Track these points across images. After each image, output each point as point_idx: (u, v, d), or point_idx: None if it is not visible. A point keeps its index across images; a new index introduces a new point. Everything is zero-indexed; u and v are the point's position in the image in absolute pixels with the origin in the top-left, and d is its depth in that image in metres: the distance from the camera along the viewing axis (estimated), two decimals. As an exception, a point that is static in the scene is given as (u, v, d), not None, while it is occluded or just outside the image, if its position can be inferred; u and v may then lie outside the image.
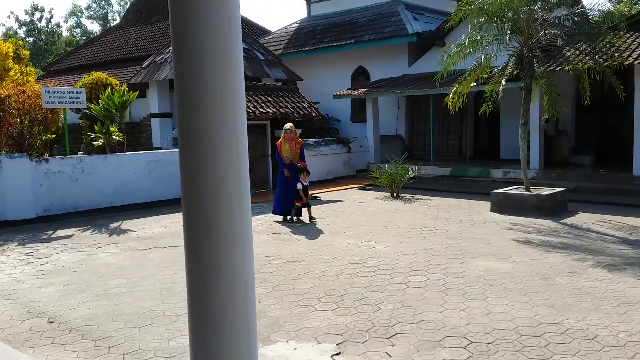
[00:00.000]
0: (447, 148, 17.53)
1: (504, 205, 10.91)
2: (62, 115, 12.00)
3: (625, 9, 30.52)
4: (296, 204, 10.19)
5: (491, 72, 12.17)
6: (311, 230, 9.74)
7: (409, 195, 13.59)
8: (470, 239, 8.72)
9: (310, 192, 14.14)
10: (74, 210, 11.44)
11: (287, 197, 10.18)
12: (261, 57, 18.89)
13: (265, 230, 9.85)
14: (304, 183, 10.20)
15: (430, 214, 11.08)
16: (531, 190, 11.02)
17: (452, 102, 11.49)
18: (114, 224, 10.65)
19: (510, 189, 11.35)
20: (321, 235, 9.35)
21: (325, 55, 20.49)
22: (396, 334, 4.93)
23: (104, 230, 10.12)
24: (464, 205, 11.96)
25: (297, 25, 22.78)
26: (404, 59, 18.87)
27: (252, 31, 25.57)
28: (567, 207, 11.00)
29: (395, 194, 13.50)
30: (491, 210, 11.11)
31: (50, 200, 11.12)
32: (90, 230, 10.07)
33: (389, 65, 18.96)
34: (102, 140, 12.16)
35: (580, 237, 8.68)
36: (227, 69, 1.98)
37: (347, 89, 18.78)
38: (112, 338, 5.00)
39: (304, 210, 10.43)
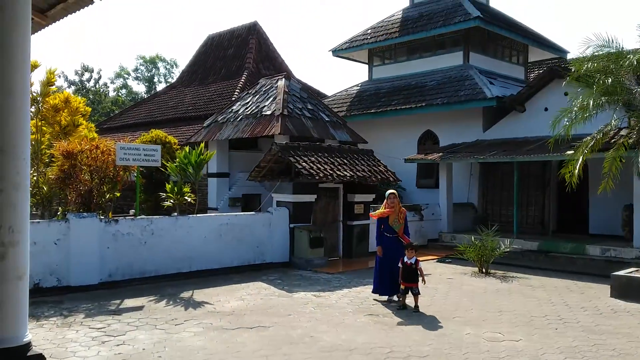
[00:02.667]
0: (528, 220, 16.18)
1: (628, 291, 9.47)
2: (132, 173, 11.25)
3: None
4: (401, 286, 8.72)
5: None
6: (412, 314, 8.46)
7: (500, 271, 12.22)
8: (613, 333, 7.33)
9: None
10: (140, 276, 10.44)
11: (392, 274, 8.89)
12: (326, 119, 18.21)
13: (358, 309, 8.63)
14: (408, 261, 8.70)
15: (540, 297, 9.70)
16: (659, 274, 9.60)
17: (570, 172, 10.17)
18: (185, 294, 9.57)
19: (633, 272, 9.93)
20: (428, 319, 8.07)
21: (391, 119, 19.72)
22: None
23: (177, 301, 9.03)
24: (574, 288, 10.52)
25: (359, 88, 22.23)
26: (478, 124, 17.91)
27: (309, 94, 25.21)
28: (701, 296, 9.49)
29: (484, 270, 12.16)
30: (611, 296, 9.67)
31: (116, 265, 10.16)
32: (161, 302, 9.00)
33: (461, 130, 18.01)
34: (172, 201, 11.31)
35: None
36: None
37: (421, 154, 17.80)
38: None
39: (409, 296, 8.69)
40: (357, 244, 13.93)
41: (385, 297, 9.07)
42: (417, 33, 20.08)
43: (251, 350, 6.53)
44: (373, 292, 9.29)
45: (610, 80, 9.30)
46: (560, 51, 22.62)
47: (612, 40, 9.46)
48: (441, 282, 11.04)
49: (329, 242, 13.45)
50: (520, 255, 14.00)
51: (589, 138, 10.01)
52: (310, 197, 12.94)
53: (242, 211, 18.32)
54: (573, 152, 12.70)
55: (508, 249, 12.40)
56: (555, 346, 6.75)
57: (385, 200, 9.07)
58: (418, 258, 8.79)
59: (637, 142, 9.65)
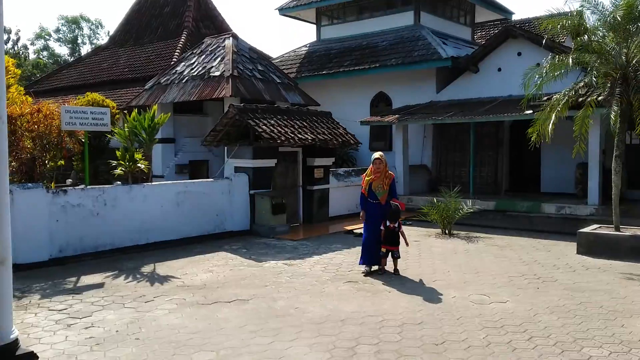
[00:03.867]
0: (481, 180, 16.33)
1: (594, 247, 9.66)
2: (79, 139, 10.28)
3: None
4: (382, 249, 8.51)
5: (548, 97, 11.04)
6: (393, 278, 8.24)
7: (462, 232, 12.25)
8: (594, 290, 7.39)
9: (349, 228, 12.72)
10: (94, 250, 9.64)
11: (377, 242, 8.51)
12: (277, 80, 17.54)
13: (335, 277, 8.30)
14: (390, 224, 8.38)
15: (511, 256, 9.74)
16: (622, 230, 9.83)
17: (538, 131, 10.07)
18: (147, 268, 8.92)
19: (597, 229, 10.12)
20: (410, 284, 7.87)
21: (343, 81, 19.24)
22: None
23: (139, 276, 8.38)
24: (539, 246, 10.66)
25: (307, 48, 21.54)
26: (432, 86, 17.76)
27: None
28: (658, 250, 9.81)
29: (447, 231, 12.14)
30: (578, 253, 9.86)
31: (67, 239, 9.31)
32: (122, 277, 8.32)
33: (414, 92, 17.82)
34: (123, 169, 10.45)
35: None
36: None
37: (375, 116, 17.50)
38: None
39: (389, 260, 8.52)
40: (318, 209, 13.59)
41: (362, 267, 8.61)
42: (367, -9, 19.54)
43: (236, 326, 6.07)
44: (360, 263, 8.60)
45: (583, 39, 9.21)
46: (505, 12, 22.77)
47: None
48: (410, 245, 10.84)
49: (289, 208, 13.00)
50: (478, 215, 14.09)
51: (560, 95, 9.95)
52: (271, 162, 12.39)
53: (189, 179, 17.51)
54: (532, 111, 12.83)
55: (471, 210, 12.42)
56: (543, 306, 6.70)
57: (370, 165, 8.58)
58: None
59: (605, 100, 9.68)
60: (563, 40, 16.78)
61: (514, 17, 23.55)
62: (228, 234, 11.74)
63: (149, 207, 10.39)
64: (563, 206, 13.43)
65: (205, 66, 17.18)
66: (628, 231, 9.83)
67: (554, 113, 9.64)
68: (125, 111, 18.65)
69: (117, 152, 10.51)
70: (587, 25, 9.51)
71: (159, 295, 7.32)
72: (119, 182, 10.95)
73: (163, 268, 8.93)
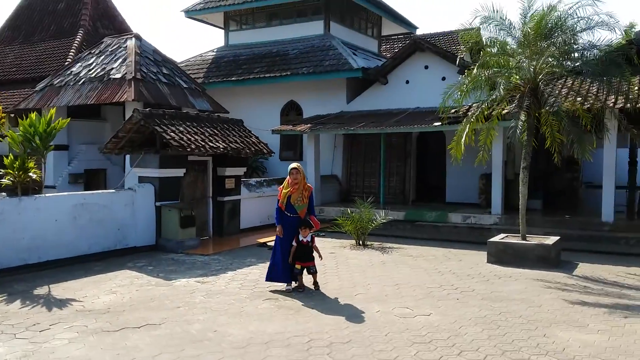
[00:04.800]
0: (390, 190, 16.54)
1: (504, 256, 9.96)
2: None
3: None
4: (296, 266, 8.07)
5: (468, 109, 11.40)
6: (313, 294, 7.94)
7: (376, 243, 12.24)
8: (511, 300, 7.54)
9: (262, 241, 12.28)
10: (-26, 271, 8.49)
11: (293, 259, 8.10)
12: (184, 85, 16.79)
13: (253, 294, 7.86)
14: (304, 239, 8.03)
15: (426, 267, 9.79)
16: (528, 239, 10.22)
17: (462, 143, 10.14)
18: (41, 290, 7.97)
19: (505, 238, 10.46)
20: (332, 300, 7.61)
21: (253, 88, 18.80)
22: None
23: (33, 300, 7.44)
24: (451, 256, 10.84)
25: (215, 53, 20.86)
26: (342, 96, 17.80)
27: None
28: (561, 257, 10.31)
29: (362, 242, 12.08)
30: (488, 262, 10.12)
31: (-58, 260, 8.12)
32: (12, 302, 7.34)
33: (325, 102, 17.77)
34: (11, 178, 9.34)
35: (627, 296, 7.84)
36: None
37: (286, 124, 17.20)
38: None
39: (306, 275, 8.15)
40: (229, 222, 13.03)
41: (283, 286, 8.18)
42: (277, -2, 19.27)
43: (149, 355, 5.47)
44: (267, 279, 8.15)
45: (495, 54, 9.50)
46: (410, 26, 23.47)
47: (497, 11, 9.62)
48: (326, 258, 10.62)
49: (199, 220, 12.33)
50: (389, 226, 14.16)
51: (474, 108, 10.21)
52: (179, 172, 11.68)
53: (85, 189, 16.25)
54: (440, 123, 13.17)
55: (384, 220, 12.44)
56: (467, 318, 6.69)
57: (287, 176, 8.15)
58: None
59: (513, 112, 10.04)
60: (463, 54, 17.46)
61: (418, 32, 24.35)
62: (132, 250, 10.88)
63: (41, 221, 9.35)
64: (469, 216, 13.87)
65: (105, 67, 16.07)
66: (534, 240, 10.24)
67: (468, 125, 9.87)
68: (12, 114, 17.04)
69: (4, 159, 9.37)
70: (498, 39, 9.84)
71: (56, 322, 6.49)
72: (3, 194, 9.79)
73: (59, 290, 8.01)
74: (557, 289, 8.15)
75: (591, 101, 11.50)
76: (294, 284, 8.10)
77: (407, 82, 16.86)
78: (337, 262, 10.27)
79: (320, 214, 15.53)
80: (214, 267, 9.72)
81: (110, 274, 9.08)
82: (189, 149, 11.10)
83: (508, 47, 9.73)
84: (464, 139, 9.85)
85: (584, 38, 9.55)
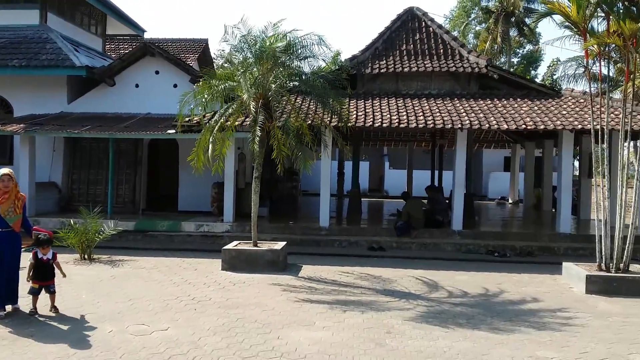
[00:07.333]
0: (119, 199, 15.58)
1: (237, 263, 10.26)
2: None
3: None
4: (33, 285, 7.07)
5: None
6: (30, 319, 6.94)
7: (104, 256, 11.39)
8: (246, 305, 7.80)
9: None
10: None
11: (7, 280, 6.90)
12: None
13: (-50, 327, 6.51)
14: (44, 257, 7.16)
15: (160, 279, 9.48)
16: (259, 245, 10.74)
17: (209, 152, 10.05)
18: None
19: (238, 245, 10.79)
20: (56, 324, 6.77)
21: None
22: None
23: None
24: (186, 266, 10.72)
25: None
26: (62, 95, 16.13)
27: None
28: (287, 261, 11.11)
29: (87, 257, 11.11)
30: (222, 269, 10.30)
31: None
32: None
33: (41, 100, 15.89)
34: None
35: (344, 292, 8.79)
36: None
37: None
38: None
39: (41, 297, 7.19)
40: None
41: None
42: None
43: None
44: None
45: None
46: (137, 28, 22.61)
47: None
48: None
49: None
50: (118, 237, 13.25)
51: (209, 117, 10.27)
52: None
53: None
54: (174, 131, 13.00)
55: (114, 231, 11.65)
56: (205, 328, 6.67)
57: None
58: None
59: (248, 124, 10.44)
60: (192, 63, 17.62)
61: (146, 35, 23.63)
62: None
63: None
64: (202, 224, 13.95)
65: None
66: (264, 245, 10.81)
67: (209, 135, 9.95)
68: None
69: None
70: (235, 58, 10.18)
71: None
72: None
73: None
74: (286, 291, 8.75)
75: (311, 118, 12.75)
76: (8, 308, 6.99)
77: (137, 85, 16.20)
78: (58, 280, 9.15)
79: (34, 225, 13.79)
80: None
81: None
82: None
83: (247, 61, 10.19)
84: (210, 148, 9.91)
85: (311, 63, 10.61)
